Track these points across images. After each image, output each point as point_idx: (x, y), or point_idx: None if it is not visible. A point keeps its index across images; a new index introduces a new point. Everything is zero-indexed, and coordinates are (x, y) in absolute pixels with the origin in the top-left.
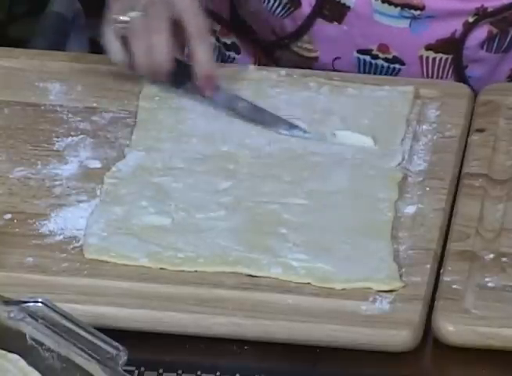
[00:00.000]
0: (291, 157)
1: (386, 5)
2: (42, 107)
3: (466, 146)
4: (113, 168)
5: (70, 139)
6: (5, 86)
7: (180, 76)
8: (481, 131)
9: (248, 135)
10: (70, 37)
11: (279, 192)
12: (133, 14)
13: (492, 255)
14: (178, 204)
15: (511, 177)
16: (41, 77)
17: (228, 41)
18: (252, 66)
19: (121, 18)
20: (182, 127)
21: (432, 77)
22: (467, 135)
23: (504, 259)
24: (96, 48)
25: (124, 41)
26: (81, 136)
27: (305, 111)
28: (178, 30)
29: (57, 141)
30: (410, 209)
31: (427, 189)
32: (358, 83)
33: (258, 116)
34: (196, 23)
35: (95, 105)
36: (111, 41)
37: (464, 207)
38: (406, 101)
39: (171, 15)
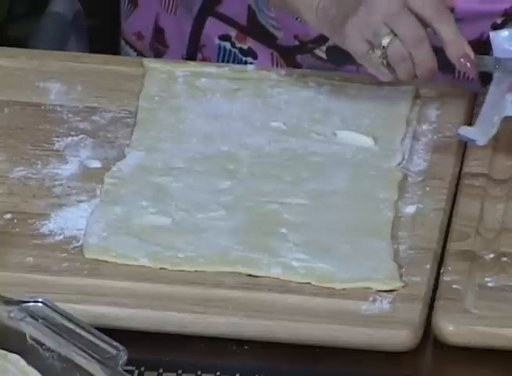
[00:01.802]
0: (291, 157)
1: None
2: (42, 107)
3: (466, 146)
4: (113, 168)
5: (70, 138)
6: (5, 86)
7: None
8: None
9: (248, 135)
10: (70, 37)
11: (279, 192)
12: (386, 40)
13: (492, 255)
14: (178, 204)
15: (511, 177)
16: (41, 77)
17: (245, 47)
18: (252, 66)
19: (377, 52)
20: (182, 127)
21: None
22: None
23: (504, 259)
24: (96, 48)
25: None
26: (81, 136)
27: (305, 111)
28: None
29: (57, 141)
30: (410, 209)
31: (427, 189)
32: (358, 83)
33: None
34: (429, 4)
35: (95, 105)
36: (376, 67)
37: (464, 207)
38: (406, 101)
39: (409, 12)
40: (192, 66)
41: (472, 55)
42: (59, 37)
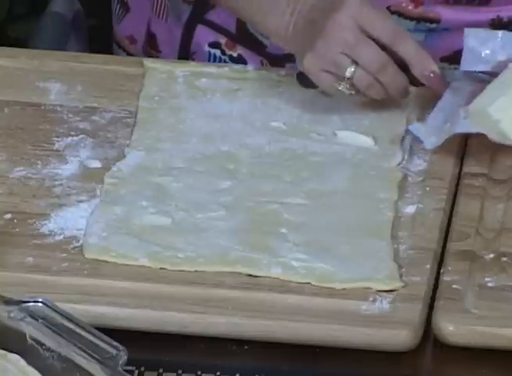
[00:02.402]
0: (291, 157)
1: (402, 18)
2: (42, 107)
3: (466, 146)
4: (113, 168)
5: (70, 138)
6: (5, 86)
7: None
8: None
9: (248, 135)
10: (70, 37)
11: (279, 192)
12: (349, 71)
13: (492, 255)
14: (178, 204)
15: (511, 177)
16: (41, 77)
17: (235, 54)
18: (252, 66)
19: (343, 84)
20: (182, 127)
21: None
22: (467, 135)
23: (504, 259)
24: (96, 48)
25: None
26: (81, 136)
27: (305, 111)
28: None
29: (57, 141)
30: (410, 209)
31: (427, 189)
32: None
33: None
34: (385, 28)
35: (95, 105)
36: (345, 95)
37: (464, 207)
38: (406, 101)
39: (365, 36)
40: (192, 66)
41: (437, 70)
42: (59, 37)
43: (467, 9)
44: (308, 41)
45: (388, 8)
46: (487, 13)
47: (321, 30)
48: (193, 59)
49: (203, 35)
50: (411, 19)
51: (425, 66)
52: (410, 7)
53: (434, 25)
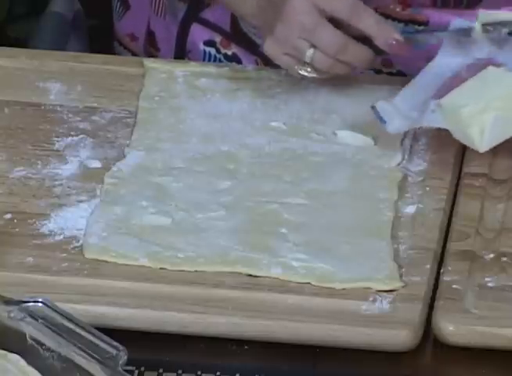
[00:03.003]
0: (291, 157)
1: (390, 20)
2: (42, 107)
3: (466, 146)
4: (113, 168)
5: (70, 138)
6: (5, 86)
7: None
8: None
9: (248, 135)
10: (70, 37)
11: (279, 192)
12: (308, 55)
13: (492, 255)
14: (178, 204)
15: (511, 177)
16: (41, 77)
17: (229, 53)
18: (252, 66)
19: (303, 72)
20: (182, 127)
21: None
22: None
23: (504, 259)
24: (96, 48)
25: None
26: (81, 136)
27: (305, 111)
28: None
29: (57, 141)
30: (410, 209)
31: (427, 189)
32: (357, 83)
33: None
34: (342, 6)
35: (95, 105)
36: (309, 76)
37: (464, 207)
38: None
39: (323, 18)
40: (192, 66)
41: (400, 37)
42: (59, 37)
43: (455, 11)
44: (268, 23)
45: (376, 9)
46: (474, 17)
47: (280, 14)
48: (189, 58)
49: (198, 34)
50: (399, 21)
51: (387, 36)
52: (398, 9)
53: (422, 27)
